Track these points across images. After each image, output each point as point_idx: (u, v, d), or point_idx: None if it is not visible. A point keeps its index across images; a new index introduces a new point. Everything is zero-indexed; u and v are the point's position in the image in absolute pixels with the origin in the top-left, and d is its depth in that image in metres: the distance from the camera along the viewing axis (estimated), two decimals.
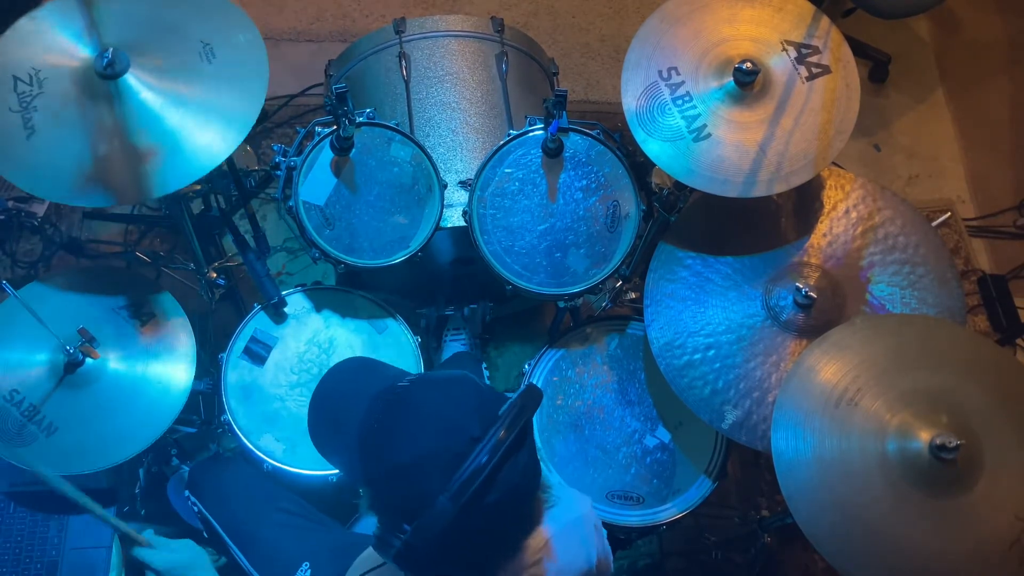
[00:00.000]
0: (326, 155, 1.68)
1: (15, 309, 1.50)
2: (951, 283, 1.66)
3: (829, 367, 1.44)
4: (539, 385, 1.78)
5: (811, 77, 1.59)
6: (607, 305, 2.06)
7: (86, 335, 1.51)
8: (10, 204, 2.29)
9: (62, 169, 1.42)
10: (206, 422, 1.91)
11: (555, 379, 1.80)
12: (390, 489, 0.97)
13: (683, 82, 1.58)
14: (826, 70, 1.60)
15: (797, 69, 1.59)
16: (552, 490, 1.11)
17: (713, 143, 1.56)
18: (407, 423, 0.97)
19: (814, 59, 1.60)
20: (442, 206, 1.69)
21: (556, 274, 1.71)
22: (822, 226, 1.71)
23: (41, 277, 1.65)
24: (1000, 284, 2.59)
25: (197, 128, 1.46)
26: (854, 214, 1.71)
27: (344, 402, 1.07)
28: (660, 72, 1.59)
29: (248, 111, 1.48)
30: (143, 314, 1.62)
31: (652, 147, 1.56)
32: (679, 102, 1.58)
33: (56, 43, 1.48)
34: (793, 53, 1.60)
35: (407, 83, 1.90)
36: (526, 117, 1.75)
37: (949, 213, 2.54)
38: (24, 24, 1.49)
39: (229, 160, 1.53)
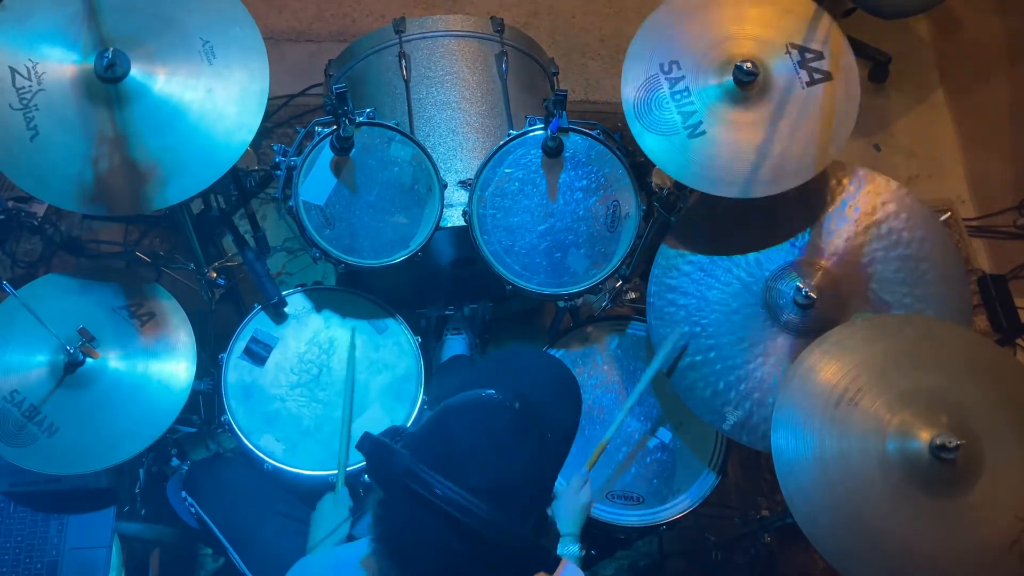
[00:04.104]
0: (326, 155, 1.68)
1: (15, 309, 1.50)
2: (957, 279, 1.65)
3: (829, 367, 1.44)
4: None
5: (812, 83, 1.59)
6: (607, 305, 2.06)
7: (86, 335, 1.51)
8: (10, 204, 2.28)
9: (67, 177, 1.42)
10: (206, 422, 1.91)
11: None
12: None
13: (683, 76, 1.58)
14: (827, 76, 1.59)
15: (798, 73, 1.59)
16: None
17: (707, 141, 1.55)
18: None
19: (816, 64, 1.59)
20: (442, 206, 1.69)
21: (556, 274, 1.71)
22: (823, 223, 1.69)
23: (41, 277, 1.64)
24: (1000, 284, 2.59)
25: (199, 140, 1.45)
26: (857, 208, 1.69)
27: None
28: (661, 65, 1.58)
29: (250, 121, 1.47)
30: (143, 314, 1.62)
31: (646, 140, 1.56)
32: (677, 96, 1.57)
33: (49, 25, 1.45)
34: (796, 57, 1.60)
35: (407, 83, 1.90)
36: (526, 117, 1.75)
37: (949, 213, 2.53)
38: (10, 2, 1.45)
39: None
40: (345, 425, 1.64)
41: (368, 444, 0.96)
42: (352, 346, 1.74)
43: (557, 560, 0.96)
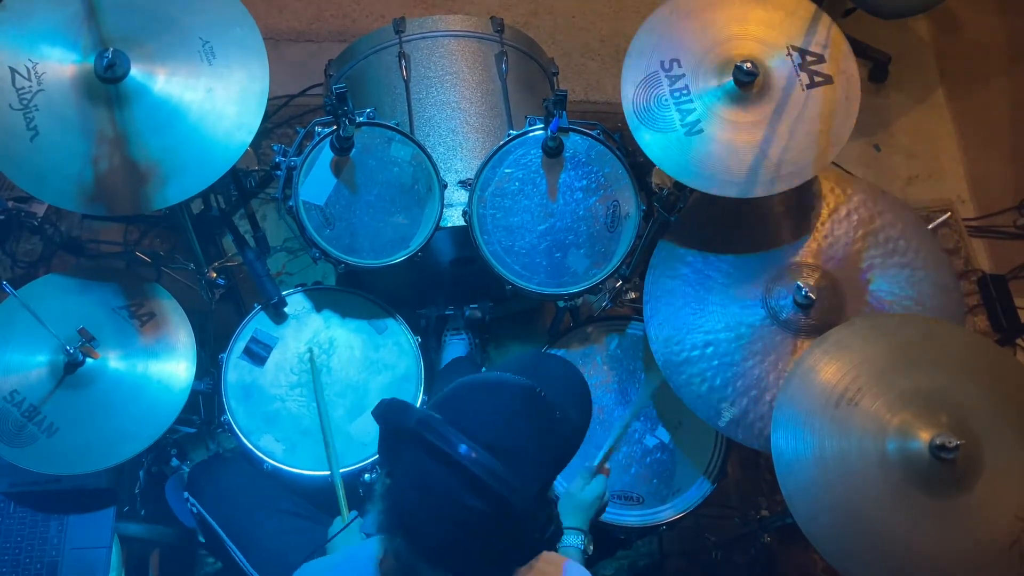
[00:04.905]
0: (326, 155, 1.68)
1: (15, 309, 1.51)
2: (951, 289, 1.66)
3: (829, 367, 1.44)
4: None
5: (811, 85, 1.59)
6: (607, 305, 2.06)
7: (86, 335, 1.51)
8: (10, 204, 2.28)
9: (67, 177, 1.42)
10: (206, 422, 1.91)
11: None
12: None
13: (683, 75, 1.58)
14: (827, 80, 1.59)
15: (798, 75, 1.59)
16: None
17: (705, 139, 1.55)
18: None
19: (817, 67, 1.59)
20: (442, 206, 1.69)
21: (556, 274, 1.71)
22: (823, 227, 1.70)
23: (41, 277, 1.64)
24: (1000, 284, 2.59)
25: (199, 140, 1.45)
26: (855, 217, 1.71)
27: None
28: (662, 63, 1.59)
29: (250, 121, 1.48)
30: (143, 314, 1.62)
31: (643, 135, 1.56)
32: (676, 94, 1.57)
33: (49, 25, 1.45)
34: (797, 59, 1.59)
35: (407, 83, 1.90)
36: (526, 117, 1.75)
37: (949, 213, 2.54)
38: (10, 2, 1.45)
39: None
40: (333, 450, 1.63)
41: (385, 403, 0.98)
42: (312, 363, 1.73)
43: (560, 533, 0.98)
